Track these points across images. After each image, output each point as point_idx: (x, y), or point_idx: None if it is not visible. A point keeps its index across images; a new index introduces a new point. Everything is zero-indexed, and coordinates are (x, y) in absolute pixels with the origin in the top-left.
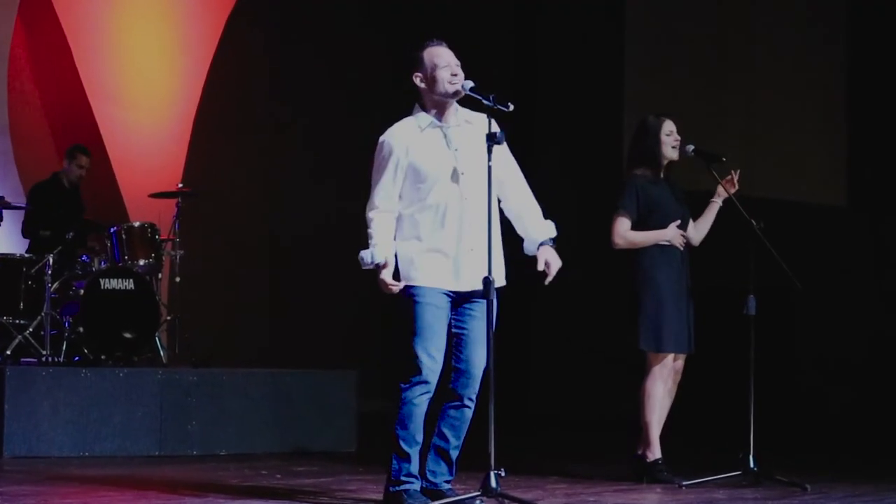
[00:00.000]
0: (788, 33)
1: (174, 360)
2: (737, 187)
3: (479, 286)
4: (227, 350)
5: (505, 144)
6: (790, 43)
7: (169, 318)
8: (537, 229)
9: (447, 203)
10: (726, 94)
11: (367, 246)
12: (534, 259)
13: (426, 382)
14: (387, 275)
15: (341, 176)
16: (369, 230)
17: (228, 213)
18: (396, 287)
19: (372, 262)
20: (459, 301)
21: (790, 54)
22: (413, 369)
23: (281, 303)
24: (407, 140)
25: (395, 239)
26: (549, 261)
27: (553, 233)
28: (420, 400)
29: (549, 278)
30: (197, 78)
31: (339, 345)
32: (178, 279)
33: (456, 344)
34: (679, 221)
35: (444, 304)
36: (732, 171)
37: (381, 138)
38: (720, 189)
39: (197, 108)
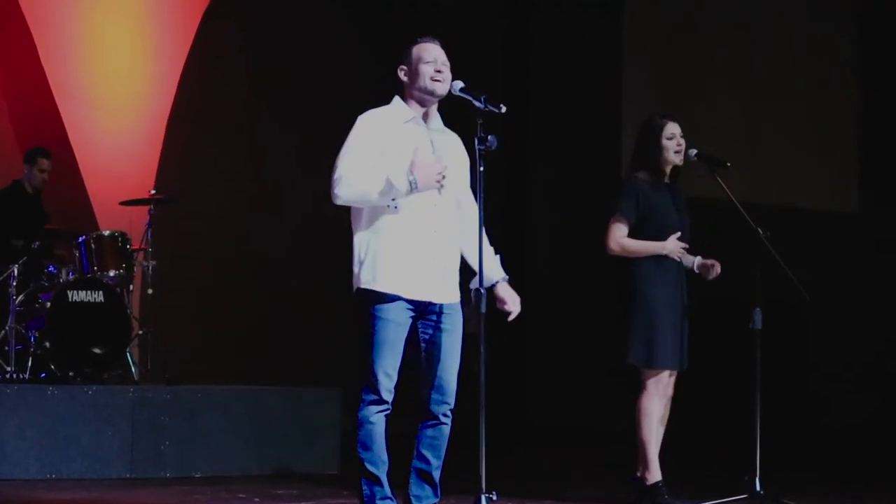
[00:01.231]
0: (795, 32)
1: (146, 376)
2: (717, 272)
3: (449, 298)
4: (203, 366)
5: (468, 166)
6: (798, 42)
7: (141, 332)
8: (492, 266)
9: (420, 206)
10: (731, 96)
11: (344, 254)
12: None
13: (382, 401)
14: (425, 161)
15: (326, 182)
16: (357, 187)
17: (204, 221)
18: (441, 167)
19: (412, 185)
20: (423, 311)
21: (797, 54)
22: (368, 388)
23: (260, 316)
24: (386, 127)
25: (358, 231)
26: (511, 298)
27: (500, 266)
28: (377, 418)
29: (514, 315)
30: (171, 77)
31: (321, 360)
32: (150, 291)
33: (427, 359)
34: (679, 234)
35: (406, 319)
36: (714, 262)
37: (360, 116)
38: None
39: (171, 110)
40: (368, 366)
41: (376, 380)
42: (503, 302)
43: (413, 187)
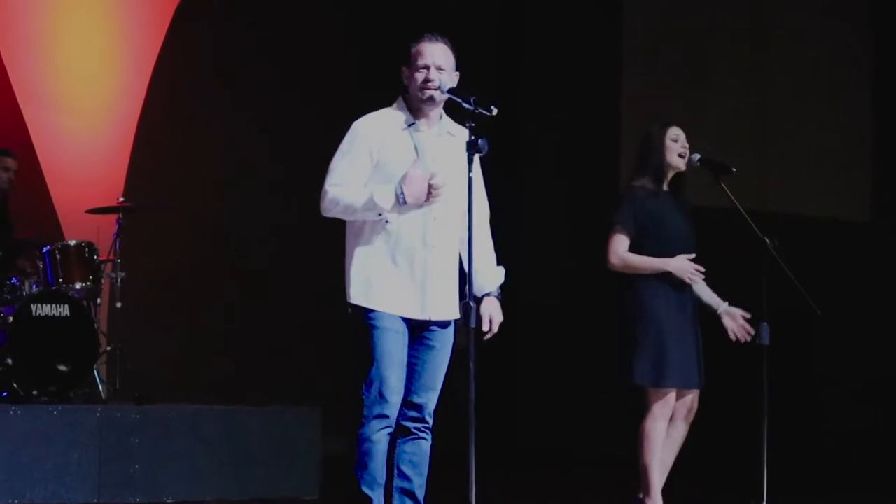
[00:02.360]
0: (805, 30)
1: (115, 395)
2: (748, 335)
3: (442, 316)
4: (175, 384)
5: (478, 165)
6: (808, 41)
7: (109, 348)
8: (488, 276)
9: (417, 219)
10: (736, 98)
11: (327, 266)
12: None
13: (385, 416)
14: (416, 175)
15: (307, 191)
16: (341, 203)
17: (176, 230)
18: (437, 182)
19: (399, 199)
20: (416, 329)
21: (807, 54)
22: (369, 403)
23: (236, 332)
24: (383, 133)
25: (350, 243)
26: (493, 316)
27: (502, 279)
28: (379, 436)
29: (490, 335)
30: (140, 78)
31: (301, 379)
32: (119, 305)
33: (409, 374)
34: (692, 256)
35: (403, 329)
36: (743, 317)
37: (356, 122)
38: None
39: (140, 112)
40: (370, 381)
41: (381, 395)
42: (482, 318)
43: (401, 202)
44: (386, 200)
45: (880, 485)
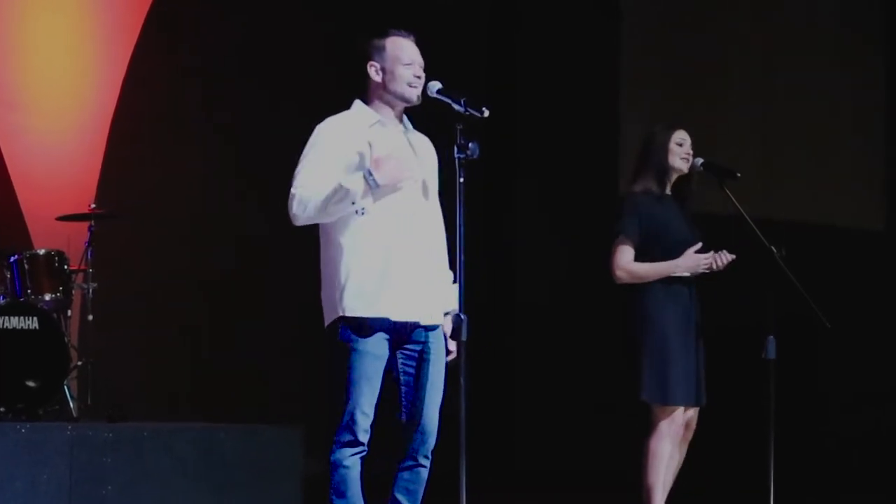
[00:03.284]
0: (815, 30)
1: (86, 413)
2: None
3: (432, 319)
4: (150, 401)
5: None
6: (818, 41)
7: (80, 363)
8: (446, 295)
9: (397, 212)
10: (743, 101)
11: (308, 277)
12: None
13: (358, 442)
14: (384, 155)
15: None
16: (310, 203)
17: (151, 239)
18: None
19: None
20: (403, 338)
21: (818, 54)
22: (342, 428)
23: (214, 346)
24: (349, 134)
25: (328, 249)
26: (450, 335)
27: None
28: (352, 461)
29: (452, 356)
30: (114, 78)
31: (281, 396)
32: (91, 317)
33: (406, 393)
34: (699, 245)
35: (385, 351)
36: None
37: (318, 126)
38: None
39: (114, 114)
40: (343, 404)
41: (352, 419)
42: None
43: (372, 185)
44: (356, 184)
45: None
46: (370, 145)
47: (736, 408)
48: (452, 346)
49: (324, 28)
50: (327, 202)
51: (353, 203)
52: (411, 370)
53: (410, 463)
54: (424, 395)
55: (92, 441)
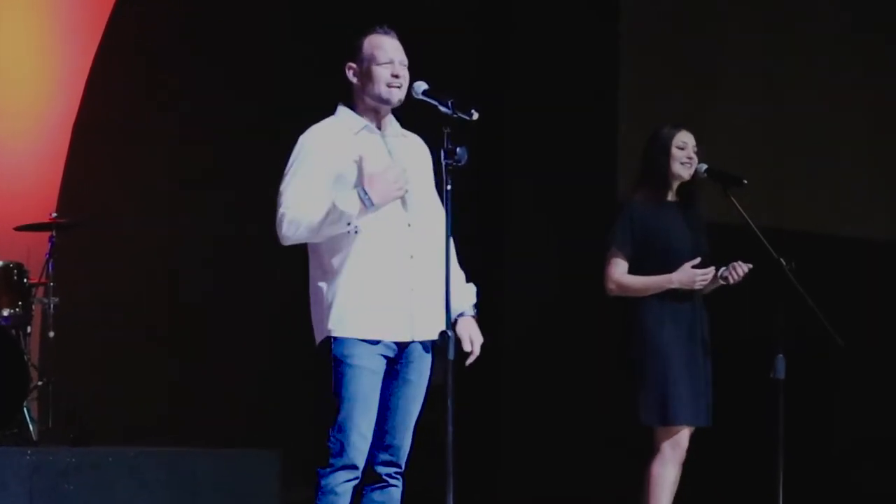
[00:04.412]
0: (825, 29)
1: (47, 436)
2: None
3: (430, 335)
4: (115, 423)
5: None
6: (828, 41)
7: (41, 382)
8: (460, 295)
9: (390, 227)
10: (749, 103)
11: (286, 291)
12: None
13: (353, 467)
14: (376, 171)
15: (262, 205)
16: (302, 224)
17: (116, 250)
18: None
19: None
20: (397, 355)
21: (829, 55)
22: (336, 449)
23: (183, 364)
24: (335, 143)
25: (318, 266)
26: (473, 336)
27: (474, 298)
28: (344, 488)
29: (473, 358)
30: (76, 79)
31: (257, 419)
32: (52, 334)
33: (381, 412)
34: (697, 260)
35: (380, 366)
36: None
37: (301, 137)
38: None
39: (76, 118)
40: (339, 424)
41: (349, 441)
42: (461, 340)
43: (367, 204)
44: (350, 205)
45: None
46: (361, 158)
47: (743, 430)
48: (477, 346)
49: (309, 33)
50: (321, 224)
51: (349, 224)
52: (391, 389)
53: (381, 483)
54: (400, 416)
55: (53, 466)
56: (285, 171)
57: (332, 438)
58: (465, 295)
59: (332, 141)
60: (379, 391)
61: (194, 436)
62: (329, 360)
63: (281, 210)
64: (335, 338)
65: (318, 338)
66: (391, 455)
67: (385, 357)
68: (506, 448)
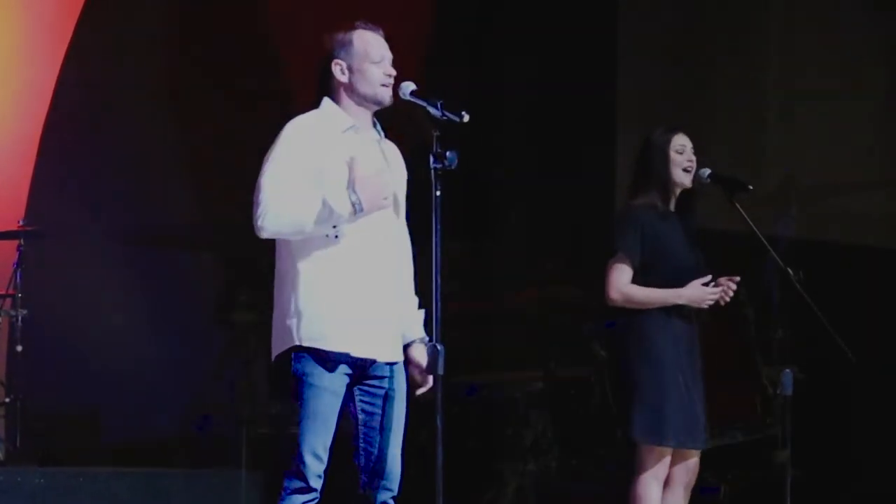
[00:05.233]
0: (836, 28)
1: (14, 456)
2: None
3: (395, 356)
4: (86, 442)
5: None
6: (840, 41)
7: (8, 400)
8: (411, 321)
9: (368, 234)
10: (754, 104)
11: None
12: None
13: (311, 489)
14: (368, 175)
15: (242, 208)
16: (286, 216)
17: (86, 260)
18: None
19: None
20: (364, 373)
21: (841, 55)
22: (292, 472)
23: (158, 380)
24: (321, 138)
25: (287, 270)
26: (425, 366)
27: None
28: None
29: (424, 389)
30: (45, 81)
31: (230, 438)
32: (19, 348)
33: (364, 434)
34: (709, 277)
35: (343, 387)
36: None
37: (287, 126)
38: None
39: (46, 119)
40: (294, 445)
41: (303, 462)
42: (416, 367)
43: (357, 209)
44: (342, 207)
45: None
46: (353, 160)
47: (747, 449)
48: (429, 379)
49: (290, 30)
50: (307, 221)
51: (333, 227)
52: (370, 408)
53: None
54: (388, 436)
55: (22, 488)
56: (268, 160)
57: (289, 459)
58: (418, 320)
59: (317, 135)
60: (338, 413)
61: (171, 455)
62: (287, 376)
63: (261, 197)
64: (298, 348)
65: (278, 349)
66: (386, 481)
67: (348, 376)
68: (499, 466)
